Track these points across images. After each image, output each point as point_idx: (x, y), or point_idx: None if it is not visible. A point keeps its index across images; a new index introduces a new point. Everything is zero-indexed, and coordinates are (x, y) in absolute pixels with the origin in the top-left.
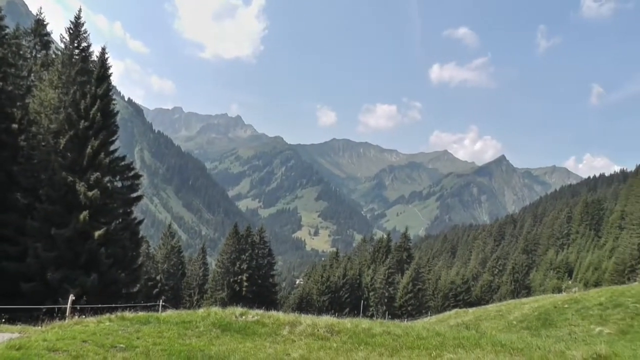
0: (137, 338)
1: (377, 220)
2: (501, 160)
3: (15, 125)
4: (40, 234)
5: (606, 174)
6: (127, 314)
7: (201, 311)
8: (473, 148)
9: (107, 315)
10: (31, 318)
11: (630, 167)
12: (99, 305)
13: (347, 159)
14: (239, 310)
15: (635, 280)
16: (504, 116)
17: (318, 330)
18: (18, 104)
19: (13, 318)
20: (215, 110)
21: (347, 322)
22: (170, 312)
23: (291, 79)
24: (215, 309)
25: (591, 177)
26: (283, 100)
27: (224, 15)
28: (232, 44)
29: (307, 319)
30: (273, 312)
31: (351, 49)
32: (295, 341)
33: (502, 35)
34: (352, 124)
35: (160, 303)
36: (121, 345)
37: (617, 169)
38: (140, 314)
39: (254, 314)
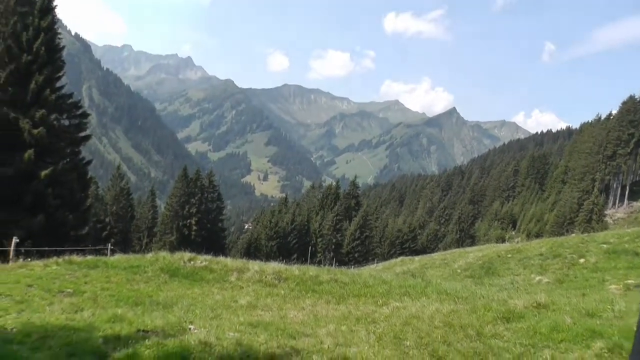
0: (85, 283)
1: (327, 167)
2: (452, 113)
3: None
4: None
5: (553, 130)
6: (75, 257)
7: (150, 256)
8: (424, 99)
9: (55, 258)
10: None
11: (575, 125)
12: (46, 248)
13: (298, 105)
14: (187, 255)
15: (573, 232)
16: (457, 69)
17: (266, 277)
18: None
19: None
20: (165, 50)
21: (295, 269)
22: (118, 256)
23: (244, 21)
24: (164, 254)
25: (538, 132)
26: (235, 42)
27: None
28: None
29: (255, 265)
30: (221, 258)
31: None
32: (243, 287)
33: None
34: (304, 70)
35: (109, 247)
36: (69, 290)
37: (563, 125)
38: (89, 257)
39: (202, 260)
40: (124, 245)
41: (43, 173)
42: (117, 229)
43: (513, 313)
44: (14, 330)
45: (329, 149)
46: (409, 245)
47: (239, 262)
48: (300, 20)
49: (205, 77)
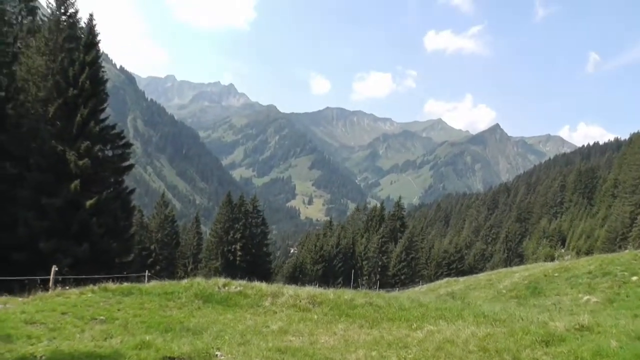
0: (118, 310)
1: (371, 189)
2: (495, 129)
3: (2, 93)
4: (30, 204)
5: (600, 143)
6: (110, 285)
7: (184, 282)
8: (467, 117)
9: (90, 286)
10: (21, 288)
11: (624, 136)
12: (83, 276)
13: (341, 128)
14: (222, 281)
15: (626, 249)
16: (499, 85)
17: (300, 301)
18: (4, 71)
19: (3, 289)
20: (208, 79)
21: (330, 293)
22: (153, 283)
23: (285, 47)
24: (199, 280)
25: (585, 145)
26: (276, 68)
27: None
28: (225, 12)
29: (289, 290)
30: (256, 283)
31: (345, 16)
32: (276, 312)
33: (499, 3)
34: (346, 93)
35: (147, 274)
36: (101, 317)
37: (611, 137)
38: (124, 284)
39: (237, 285)
40: (169, 272)
41: (88, 202)
42: (162, 256)
43: (553, 336)
44: (43, 358)
45: (373, 170)
46: (456, 265)
47: (274, 287)
48: (341, 43)
49: (248, 103)
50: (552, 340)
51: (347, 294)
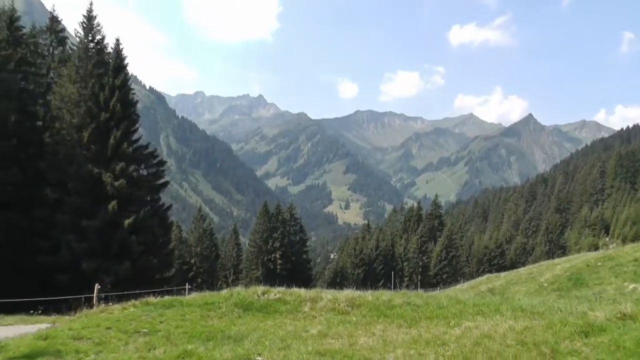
0: (160, 322)
1: (407, 189)
2: (528, 119)
3: (39, 123)
4: (71, 227)
5: None
6: (151, 299)
7: (224, 292)
8: (499, 109)
9: (132, 301)
10: (68, 308)
11: None
12: (125, 292)
13: (372, 130)
14: (261, 289)
15: None
16: (529, 74)
17: (339, 304)
18: (40, 101)
19: (51, 309)
20: (236, 92)
21: (368, 295)
22: (194, 295)
23: (309, 54)
24: (238, 289)
25: (624, 128)
26: (303, 76)
27: None
28: (248, 25)
29: (328, 294)
30: (295, 289)
31: (367, 17)
32: (315, 317)
33: None
34: (375, 94)
35: (187, 286)
36: (144, 330)
37: None
38: (165, 298)
39: (276, 292)
40: (211, 284)
41: (126, 222)
42: (203, 269)
43: (593, 326)
44: None
45: (408, 170)
46: (497, 261)
47: (312, 292)
48: (366, 45)
49: (278, 113)
50: (592, 330)
51: (385, 295)
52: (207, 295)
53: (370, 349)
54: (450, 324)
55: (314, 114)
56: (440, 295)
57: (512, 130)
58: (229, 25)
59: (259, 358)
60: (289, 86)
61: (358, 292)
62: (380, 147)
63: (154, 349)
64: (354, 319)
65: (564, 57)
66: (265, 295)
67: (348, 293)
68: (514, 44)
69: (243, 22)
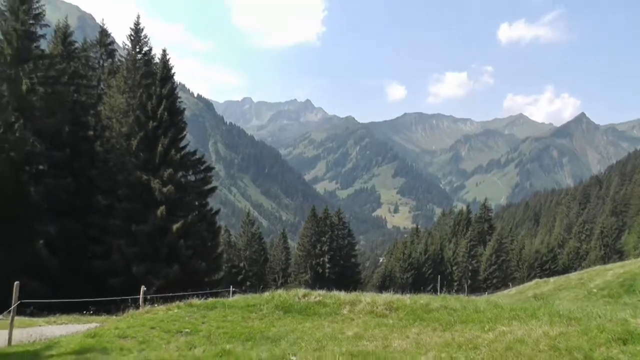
0: (202, 323)
1: (457, 192)
2: (581, 119)
3: (90, 132)
4: (122, 232)
5: None
6: (195, 300)
7: (266, 294)
8: (550, 108)
9: (177, 303)
10: (116, 309)
11: None
12: (170, 294)
13: (421, 133)
14: (302, 291)
15: None
16: (581, 71)
17: (377, 307)
18: (91, 112)
19: (102, 310)
20: (284, 97)
21: (407, 299)
22: (237, 297)
23: (357, 57)
24: (280, 292)
25: None
26: (351, 79)
27: (282, 2)
28: (294, 30)
29: (367, 297)
30: (335, 292)
31: (414, 19)
32: (353, 319)
33: None
34: (423, 96)
35: (231, 289)
36: (186, 330)
37: None
38: (209, 300)
39: (316, 295)
40: (260, 287)
41: (175, 226)
42: (252, 272)
43: (632, 334)
44: None
45: (457, 173)
46: (549, 266)
47: (352, 295)
48: (413, 47)
49: (325, 117)
50: (631, 338)
51: (424, 298)
52: (249, 297)
53: (403, 351)
54: (485, 328)
55: (362, 118)
56: (479, 299)
57: (564, 131)
58: (275, 31)
59: (294, 358)
60: (336, 90)
61: (397, 296)
62: (429, 150)
63: (194, 348)
64: (391, 321)
65: (619, 52)
66: (306, 298)
67: (387, 296)
68: (565, 40)
69: (289, 27)
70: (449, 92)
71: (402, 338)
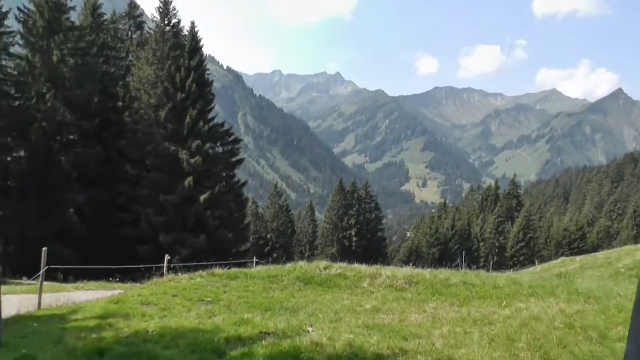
0: (224, 292)
1: (486, 167)
2: (618, 94)
3: (119, 103)
4: (150, 201)
5: None
6: (218, 270)
7: (288, 266)
8: (585, 84)
9: (200, 272)
10: (142, 277)
11: None
12: (194, 264)
13: (451, 107)
14: (323, 263)
15: None
16: (620, 45)
17: (397, 281)
18: (120, 83)
19: (129, 277)
20: (314, 70)
21: (427, 273)
22: (259, 268)
23: (388, 30)
24: (301, 264)
25: None
26: (381, 52)
27: None
28: (327, 3)
29: (387, 271)
30: (356, 265)
31: None
32: (373, 292)
33: None
34: (454, 70)
35: (254, 259)
36: (208, 298)
37: None
38: (231, 270)
39: (337, 267)
40: (286, 259)
41: (202, 197)
42: (279, 244)
43: None
44: (154, 332)
45: (487, 148)
46: (578, 244)
47: (372, 269)
48: (446, 19)
49: (355, 90)
50: None
51: (444, 273)
52: (271, 268)
53: (419, 325)
54: (502, 304)
55: (392, 91)
56: (500, 276)
57: (598, 106)
58: (307, 3)
59: (310, 329)
60: (366, 63)
61: (417, 270)
62: (459, 124)
63: (214, 316)
64: (409, 295)
65: None
66: (327, 270)
67: (407, 270)
68: (605, 13)
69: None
70: (481, 66)
71: (419, 312)
